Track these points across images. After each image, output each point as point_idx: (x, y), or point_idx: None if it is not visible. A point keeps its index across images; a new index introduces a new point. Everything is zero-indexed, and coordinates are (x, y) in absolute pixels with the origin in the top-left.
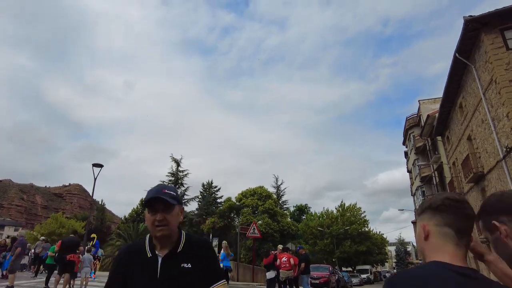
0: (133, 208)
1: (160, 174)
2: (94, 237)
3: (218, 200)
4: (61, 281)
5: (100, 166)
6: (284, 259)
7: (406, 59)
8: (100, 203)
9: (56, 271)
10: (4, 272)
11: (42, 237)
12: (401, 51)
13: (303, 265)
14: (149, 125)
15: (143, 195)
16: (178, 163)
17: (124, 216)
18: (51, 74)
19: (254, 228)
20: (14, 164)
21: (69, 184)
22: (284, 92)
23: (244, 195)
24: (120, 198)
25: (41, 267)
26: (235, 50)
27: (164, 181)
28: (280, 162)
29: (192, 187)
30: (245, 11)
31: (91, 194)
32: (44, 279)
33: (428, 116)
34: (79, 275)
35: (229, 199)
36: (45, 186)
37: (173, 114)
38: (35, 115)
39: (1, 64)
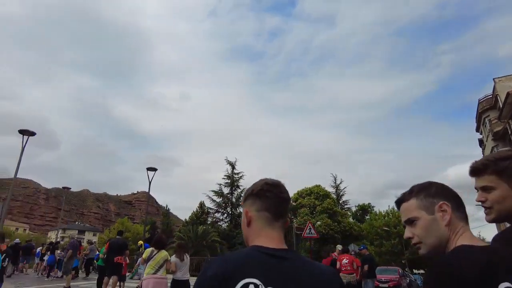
0: (193, 211)
1: (217, 178)
2: (141, 244)
3: None
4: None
5: (154, 169)
6: (345, 261)
7: (470, 42)
8: (165, 208)
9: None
10: (60, 273)
11: (94, 240)
12: (463, 34)
13: (366, 267)
14: (205, 132)
15: (201, 198)
16: (233, 165)
17: (185, 219)
18: (114, 93)
19: (310, 228)
20: (90, 175)
21: (137, 191)
22: (336, 90)
23: (300, 194)
24: (185, 203)
25: (90, 268)
26: (284, 52)
27: (221, 184)
28: (335, 163)
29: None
30: (292, 12)
31: (156, 199)
32: (96, 281)
33: (508, 94)
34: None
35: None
36: (116, 195)
37: (226, 121)
38: (103, 131)
39: (70, 86)
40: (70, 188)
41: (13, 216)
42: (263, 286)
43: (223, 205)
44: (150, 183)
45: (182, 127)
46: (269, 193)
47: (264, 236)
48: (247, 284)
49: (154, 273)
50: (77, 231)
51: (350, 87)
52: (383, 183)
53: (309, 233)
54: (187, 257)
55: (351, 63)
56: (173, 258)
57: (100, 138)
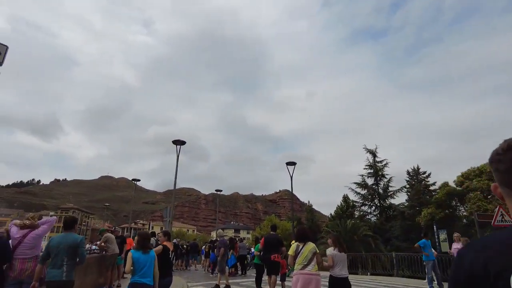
0: (338, 205)
1: (356, 170)
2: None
3: (431, 188)
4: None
5: (293, 164)
6: None
7: None
8: (308, 204)
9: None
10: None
11: (243, 237)
12: None
13: None
14: (335, 125)
15: (342, 192)
16: (374, 154)
17: (330, 214)
18: (247, 103)
19: (502, 214)
20: (238, 180)
21: (279, 190)
22: (485, 50)
23: (466, 177)
24: (324, 199)
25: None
26: (410, 23)
27: (363, 175)
28: (500, 136)
29: (396, 177)
30: None
31: (297, 197)
32: (254, 279)
33: None
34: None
35: (445, 184)
36: (262, 195)
37: (356, 109)
38: (243, 139)
39: (211, 105)
40: (221, 191)
41: (184, 220)
42: None
43: (369, 197)
44: (291, 177)
45: (311, 124)
46: (505, 158)
47: None
48: None
49: (302, 269)
50: (233, 230)
51: (506, 41)
52: None
53: (501, 220)
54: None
55: (505, 10)
56: (330, 251)
57: (242, 146)
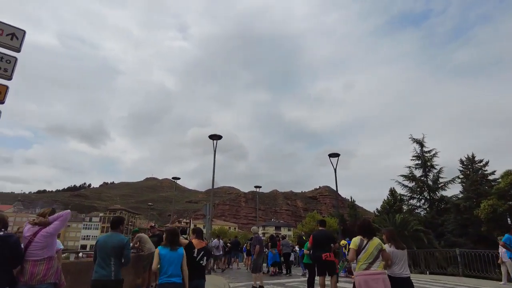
0: (384, 200)
1: (400, 163)
2: (344, 245)
3: (490, 177)
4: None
5: (337, 155)
6: None
7: None
8: (350, 200)
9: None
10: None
11: (285, 234)
12: None
13: None
14: (376, 118)
15: (389, 185)
16: (421, 144)
17: (376, 209)
18: (283, 99)
19: None
20: (276, 177)
21: (319, 187)
22: None
23: None
24: (366, 194)
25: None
26: (454, 2)
27: (410, 166)
28: None
29: (447, 168)
30: None
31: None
32: (306, 281)
33: None
34: None
35: (509, 172)
36: (301, 191)
37: (397, 100)
38: (280, 137)
39: (247, 104)
40: (260, 187)
41: (225, 218)
42: None
43: (418, 189)
44: (335, 169)
45: (350, 117)
46: None
47: None
48: None
49: (367, 269)
50: (274, 227)
51: None
52: None
53: None
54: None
55: None
56: (387, 248)
57: (279, 143)
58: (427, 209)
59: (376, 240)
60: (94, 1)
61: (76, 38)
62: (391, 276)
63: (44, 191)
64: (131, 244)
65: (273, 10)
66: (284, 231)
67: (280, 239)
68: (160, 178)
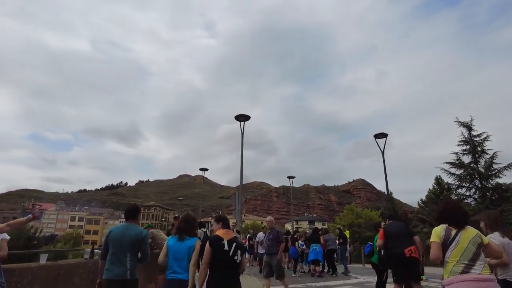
0: (429, 189)
1: (440, 152)
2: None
3: None
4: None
5: (385, 135)
6: None
7: None
8: (388, 193)
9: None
10: (306, 268)
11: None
12: None
13: None
14: (411, 106)
15: (432, 174)
16: (469, 127)
17: (421, 199)
18: (312, 92)
19: None
20: (308, 171)
21: (353, 180)
22: None
23: None
24: (403, 186)
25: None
26: None
27: (457, 152)
28: None
29: (502, 152)
30: None
31: (375, 186)
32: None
33: None
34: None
35: None
36: (334, 185)
37: (433, 86)
38: (310, 130)
39: (276, 98)
40: (294, 177)
41: (257, 213)
42: None
43: (468, 177)
44: (383, 152)
45: (384, 106)
46: None
47: None
48: None
49: (464, 273)
50: (307, 222)
51: None
52: None
53: None
54: None
55: None
56: (494, 240)
57: (310, 136)
58: (478, 199)
59: (472, 231)
60: (123, 5)
61: (108, 43)
62: (507, 280)
63: (85, 190)
64: None
65: (298, 1)
66: (318, 226)
67: (323, 233)
68: (193, 175)
